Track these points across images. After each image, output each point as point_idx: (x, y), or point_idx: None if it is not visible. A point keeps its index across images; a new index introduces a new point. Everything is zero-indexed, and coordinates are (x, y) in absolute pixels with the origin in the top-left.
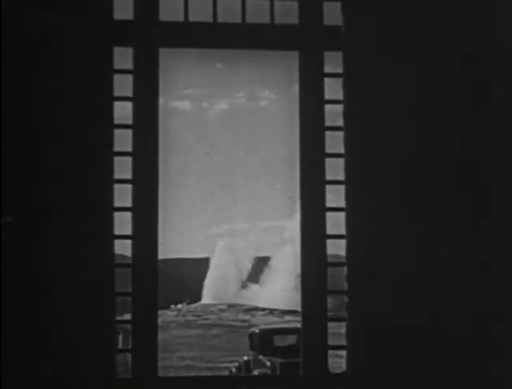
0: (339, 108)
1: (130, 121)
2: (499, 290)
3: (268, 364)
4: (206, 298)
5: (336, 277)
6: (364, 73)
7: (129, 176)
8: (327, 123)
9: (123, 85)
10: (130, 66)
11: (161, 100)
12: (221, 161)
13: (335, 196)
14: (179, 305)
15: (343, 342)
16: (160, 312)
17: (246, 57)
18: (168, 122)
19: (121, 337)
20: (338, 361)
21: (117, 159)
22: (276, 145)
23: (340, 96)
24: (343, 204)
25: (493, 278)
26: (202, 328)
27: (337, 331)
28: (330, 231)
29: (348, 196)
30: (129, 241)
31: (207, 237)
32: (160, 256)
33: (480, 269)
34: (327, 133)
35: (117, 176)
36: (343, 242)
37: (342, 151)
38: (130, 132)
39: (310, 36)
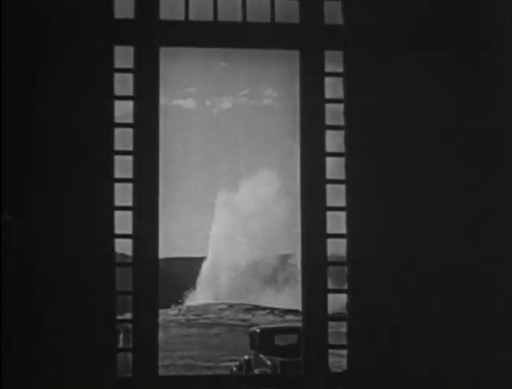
0: (340, 107)
1: (130, 120)
2: (500, 290)
3: (269, 363)
4: (203, 297)
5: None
6: (365, 72)
7: (129, 175)
8: (328, 122)
9: (124, 84)
10: (130, 65)
11: (164, 99)
12: (224, 159)
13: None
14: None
15: (344, 341)
16: (160, 311)
17: (250, 55)
18: (172, 120)
19: (121, 336)
20: (338, 361)
21: (117, 158)
22: (279, 143)
23: (341, 95)
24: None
25: (494, 278)
26: (203, 327)
27: (338, 331)
28: (330, 230)
29: (349, 195)
30: (129, 241)
31: (207, 236)
32: (161, 255)
33: (481, 269)
34: (328, 132)
35: (117, 175)
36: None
37: (342, 150)
38: (130, 131)
39: (311, 36)
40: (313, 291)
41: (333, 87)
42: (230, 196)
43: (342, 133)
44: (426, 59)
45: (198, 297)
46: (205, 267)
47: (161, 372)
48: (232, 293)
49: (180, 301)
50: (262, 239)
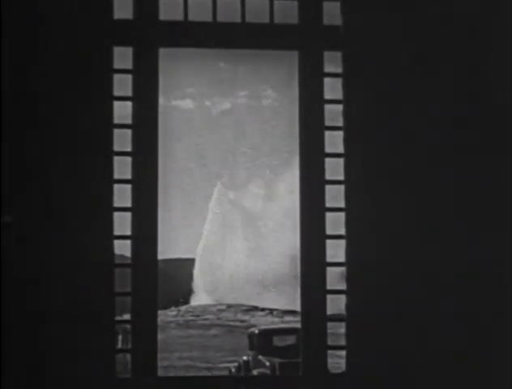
0: (339, 107)
1: (129, 121)
2: (499, 290)
3: (267, 364)
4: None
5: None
6: (364, 73)
7: (128, 176)
8: (327, 123)
9: (123, 85)
10: (129, 65)
11: (163, 99)
12: (223, 160)
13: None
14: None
15: (343, 342)
16: (159, 312)
17: (249, 56)
18: (171, 121)
19: (120, 337)
20: (337, 361)
21: (116, 159)
22: (279, 144)
23: (340, 96)
24: (342, 204)
25: (494, 278)
26: (202, 328)
27: (336, 331)
28: (329, 231)
29: (348, 196)
30: (128, 242)
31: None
32: (160, 256)
33: (480, 269)
34: (327, 132)
35: (116, 176)
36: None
37: (341, 150)
38: (129, 132)
39: (310, 36)
40: (312, 292)
41: (332, 88)
42: (230, 196)
43: (341, 133)
44: (425, 59)
45: (197, 298)
46: (204, 267)
47: (160, 373)
48: (234, 295)
49: (182, 300)
50: (264, 239)
